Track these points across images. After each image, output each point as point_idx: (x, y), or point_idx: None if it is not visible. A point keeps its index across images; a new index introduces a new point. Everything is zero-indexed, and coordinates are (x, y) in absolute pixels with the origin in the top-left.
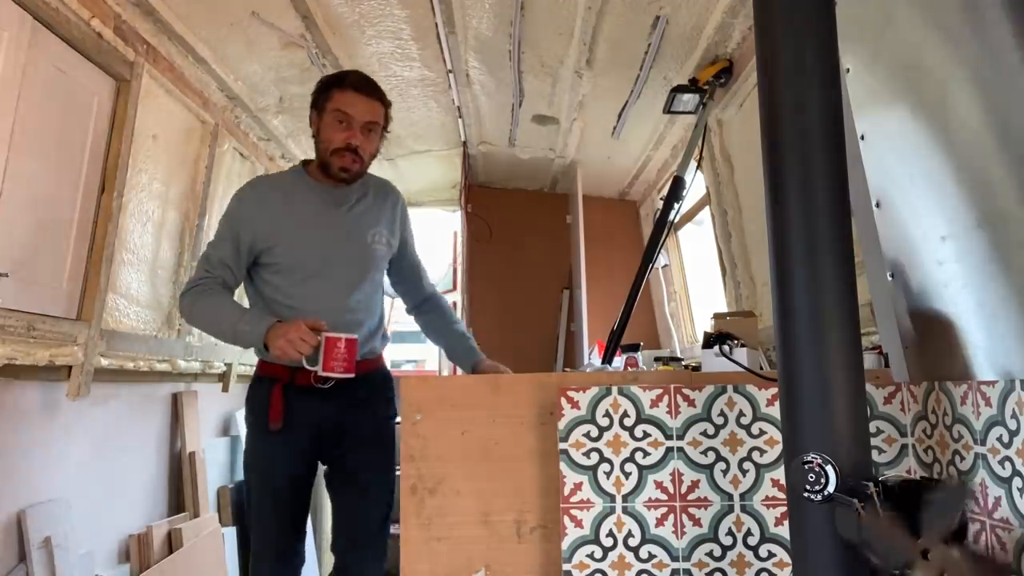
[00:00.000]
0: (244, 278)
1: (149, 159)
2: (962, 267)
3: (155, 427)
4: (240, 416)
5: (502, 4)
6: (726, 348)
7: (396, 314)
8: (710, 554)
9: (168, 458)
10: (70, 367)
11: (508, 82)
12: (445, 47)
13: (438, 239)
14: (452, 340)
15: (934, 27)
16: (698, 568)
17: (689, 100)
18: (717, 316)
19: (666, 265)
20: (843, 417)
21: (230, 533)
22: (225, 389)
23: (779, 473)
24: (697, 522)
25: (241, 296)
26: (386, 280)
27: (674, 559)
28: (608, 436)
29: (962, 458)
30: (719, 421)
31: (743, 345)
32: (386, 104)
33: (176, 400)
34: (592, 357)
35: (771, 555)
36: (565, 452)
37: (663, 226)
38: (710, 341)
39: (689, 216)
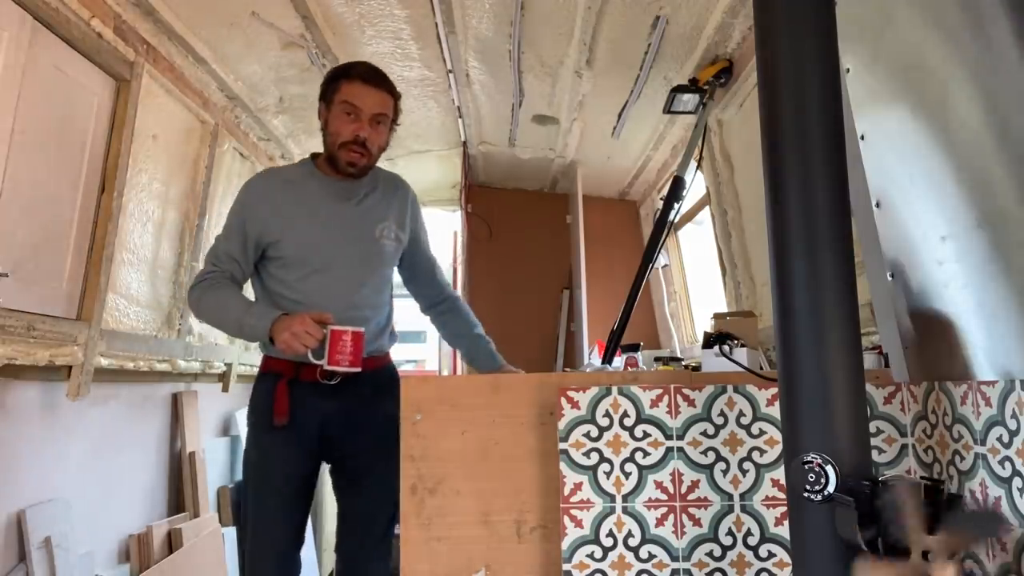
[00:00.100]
0: (252, 272)
1: (149, 159)
2: (962, 267)
3: (155, 427)
4: (240, 416)
5: (502, 4)
6: (726, 348)
7: (396, 314)
8: (710, 554)
9: (168, 458)
10: (70, 367)
11: (508, 82)
12: (445, 47)
13: (438, 239)
14: (472, 345)
15: (934, 27)
16: (698, 568)
17: (689, 100)
18: (717, 316)
19: (666, 265)
20: (843, 417)
21: (230, 533)
22: (225, 389)
23: (779, 473)
24: (697, 522)
25: (249, 292)
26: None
27: (674, 559)
28: (608, 436)
29: (962, 458)
30: (719, 421)
31: (743, 345)
32: (395, 96)
33: (176, 400)
34: (592, 357)
35: (771, 555)
36: (565, 452)
37: (663, 226)
38: (710, 341)
39: (689, 216)
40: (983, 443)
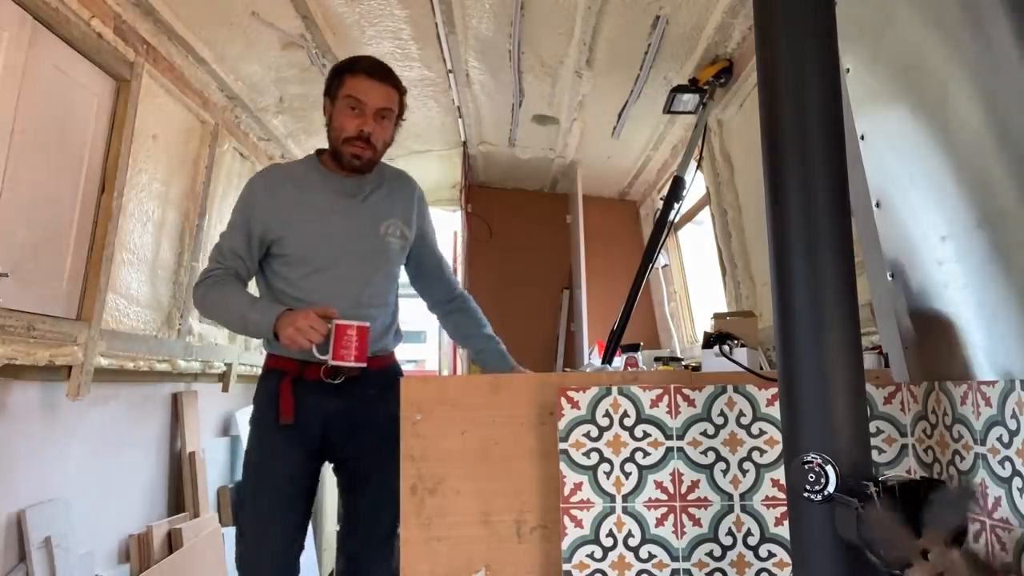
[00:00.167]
0: (257, 270)
1: (149, 159)
2: (962, 267)
3: (155, 427)
4: (240, 416)
5: (502, 4)
6: (726, 348)
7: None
8: (710, 554)
9: (168, 458)
10: (70, 367)
11: (508, 82)
12: (445, 47)
13: (438, 239)
14: (483, 346)
15: (934, 27)
16: (698, 568)
17: (689, 100)
18: (717, 316)
19: (666, 265)
20: (843, 417)
21: (230, 533)
22: (225, 389)
23: (779, 473)
24: (697, 522)
25: (253, 290)
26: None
27: (674, 559)
28: (608, 436)
29: (962, 458)
30: (719, 421)
31: (743, 345)
32: (401, 90)
33: (176, 400)
34: (592, 357)
35: (771, 555)
36: (565, 452)
37: (663, 226)
38: (710, 341)
39: (689, 216)
40: (983, 443)
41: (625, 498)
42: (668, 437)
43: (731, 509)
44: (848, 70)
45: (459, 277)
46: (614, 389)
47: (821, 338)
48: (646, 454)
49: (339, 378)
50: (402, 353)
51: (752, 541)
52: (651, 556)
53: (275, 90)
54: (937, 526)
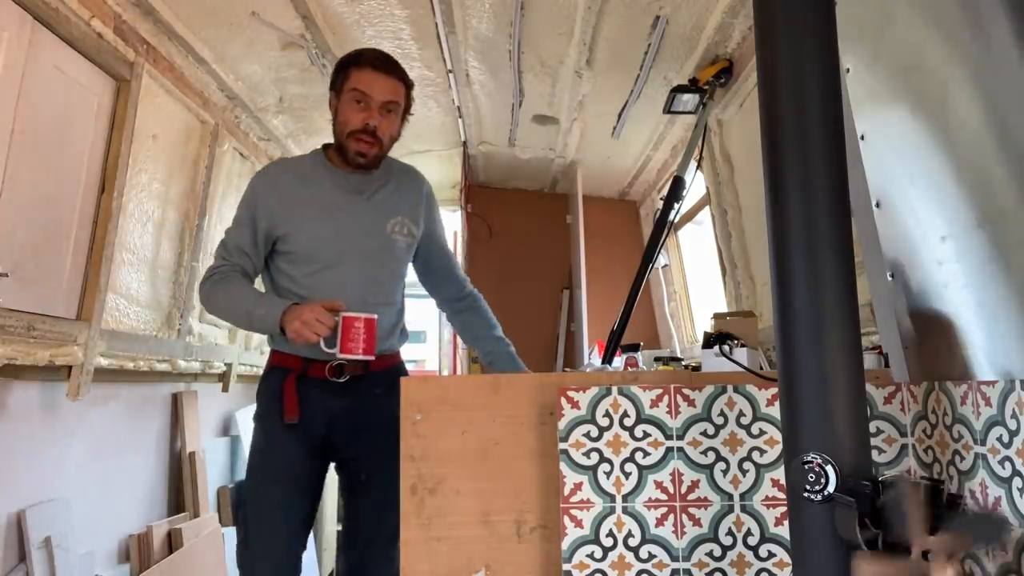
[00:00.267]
0: (263, 266)
1: (149, 159)
2: (962, 267)
3: (155, 427)
4: (240, 416)
5: (502, 4)
6: (726, 348)
7: None
8: (710, 554)
9: (168, 458)
10: (70, 367)
11: (508, 82)
12: (445, 47)
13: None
14: (493, 348)
15: (934, 27)
16: (698, 568)
17: (689, 100)
18: (717, 316)
19: (666, 265)
20: (843, 417)
21: (230, 533)
22: (225, 389)
23: (779, 473)
24: (697, 522)
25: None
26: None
27: (674, 559)
28: (608, 436)
29: (962, 458)
30: (719, 421)
31: (743, 345)
32: (407, 84)
33: (176, 400)
34: (592, 357)
35: (771, 555)
36: (565, 452)
37: (663, 226)
38: (710, 341)
39: (689, 216)
40: (983, 443)
41: (625, 498)
42: (668, 437)
43: (731, 509)
44: (848, 70)
45: None
46: (614, 389)
47: (821, 338)
48: (646, 454)
49: (344, 377)
50: (403, 353)
51: (752, 541)
52: (651, 556)
53: (275, 90)
54: (954, 538)
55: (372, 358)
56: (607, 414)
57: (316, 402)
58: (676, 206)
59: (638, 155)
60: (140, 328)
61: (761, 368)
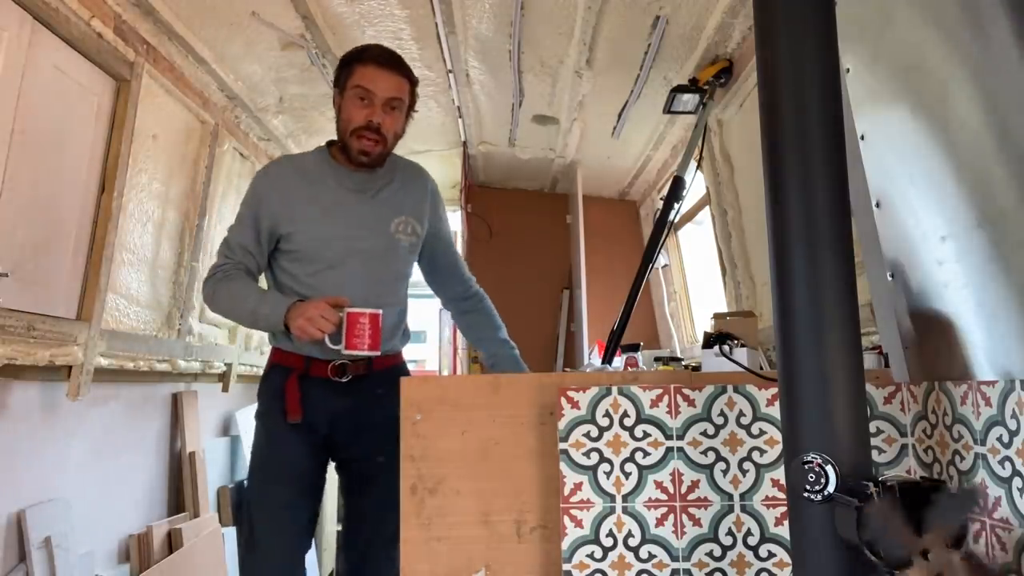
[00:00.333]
0: (267, 265)
1: (149, 159)
2: (962, 267)
3: (155, 427)
4: (240, 416)
5: (502, 4)
6: (726, 348)
7: None
8: (710, 554)
9: (168, 458)
10: (70, 367)
11: (508, 82)
12: (445, 47)
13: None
14: (497, 350)
15: (934, 27)
16: (698, 568)
17: (689, 100)
18: (717, 316)
19: (666, 265)
20: (843, 417)
21: (230, 533)
22: (225, 389)
23: (779, 473)
24: (697, 522)
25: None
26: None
27: (674, 559)
28: (608, 436)
29: (962, 458)
30: (719, 421)
31: (743, 345)
32: (412, 80)
33: (176, 400)
34: (592, 357)
35: (771, 555)
36: (565, 452)
37: (663, 226)
38: (710, 341)
39: (689, 216)
40: (983, 443)
41: (625, 498)
42: (668, 437)
43: (731, 509)
44: (848, 70)
45: None
46: (614, 389)
47: (821, 338)
48: (646, 454)
49: (346, 377)
50: (404, 353)
51: (752, 541)
52: (651, 556)
53: (275, 90)
54: (939, 527)
55: (378, 353)
56: (607, 414)
57: (318, 402)
58: (676, 206)
59: (638, 155)
60: (140, 328)
61: (761, 368)
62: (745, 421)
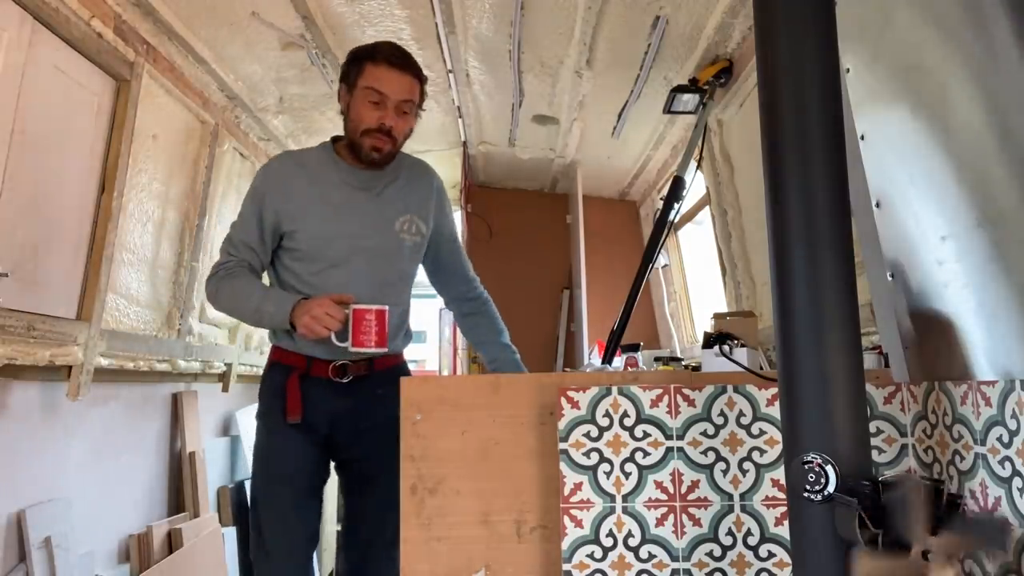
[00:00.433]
0: (269, 262)
1: (149, 159)
2: (962, 267)
3: (155, 427)
4: (240, 416)
5: (502, 4)
6: (726, 348)
7: None
8: (710, 554)
9: (168, 458)
10: (70, 367)
11: (508, 82)
12: (445, 47)
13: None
14: (499, 354)
15: (934, 27)
16: (698, 568)
17: (689, 100)
18: (717, 316)
19: (666, 265)
20: (843, 417)
21: (230, 533)
22: (225, 389)
23: (779, 473)
24: (697, 522)
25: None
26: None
27: (674, 559)
28: (608, 436)
29: (962, 458)
30: (719, 421)
31: (743, 345)
32: (422, 79)
33: (176, 400)
34: (592, 357)
35: (771, 555)
36: (565, 452)
37: (663, 226)
38: (710, 341)
39: (689, 216)
40: (983, 443)
41: (625, 498)
42: (668, 437)
43: (731, 509)
44: (848, 70)
45: None
46: (614, 389)
47: (821, 338)
48: (646, 454)
49: (347, 377)
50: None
51: (752, 541)
52: (651, 556)
53: (275, 90)
54: (956, 538)
55: (385, 350)
56: (607, 414)
57: (319, 402)
58: (676, 206)
59: (638, 155)
60: (140, 328)
61: (761, 368)
62: (745, 421)
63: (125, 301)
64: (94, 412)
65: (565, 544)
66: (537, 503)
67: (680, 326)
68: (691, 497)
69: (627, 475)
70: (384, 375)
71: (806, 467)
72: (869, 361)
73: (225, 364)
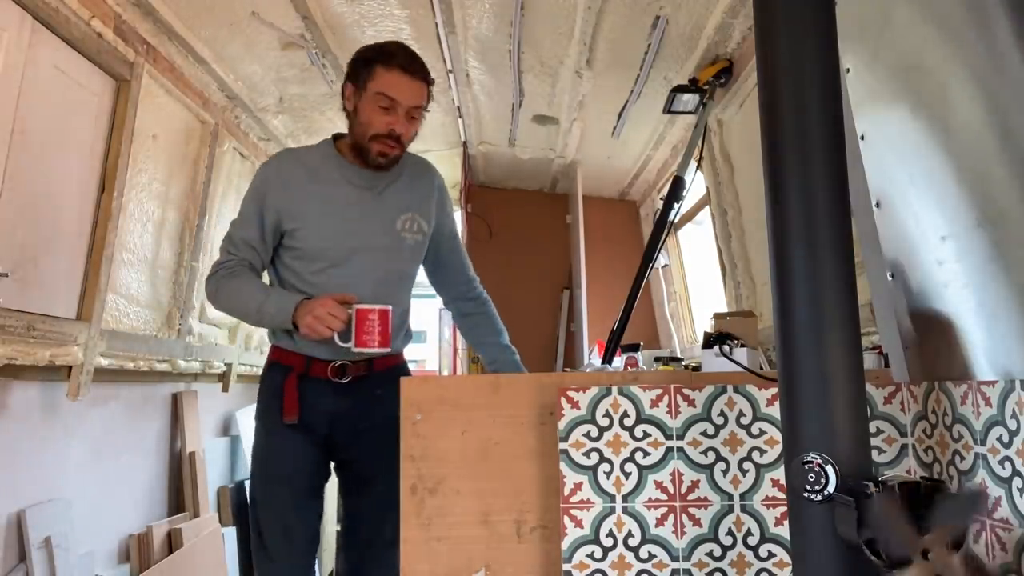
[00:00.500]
0: (270, 261)
1: (149, 159)
2: (962, 267)
3: (155, 427)
4: (240, 416)
5: (502, 4)
6: (726, 348)
7: None
8: (710, 554)
9: (168, 458)
10: (70, 367)
11: (508, 82)
12: (445, 47)
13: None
14: (499, 355)
15: (934, 27)
16: (698, 568)
17: (689, 100)
18: (717, 316)
19: (666, 265)
20: (843, 417)
21: (230, 533)
22: (225, 389)
23: (779, 473)
24: (697, 522)
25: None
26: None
27: (674, 559)
28: (608, 436)
29: (962, 458)
30: (719, 421)
31: (743, 345)
32: (431, 83)
33: (176, 400)
34: (592, 357)
35: (771, 555)
36: (565, 452)
37: (663, 226)
38: (710, 341)
39: (689, 216)
40: (983, 443)
41: (625, 498)
42: (668, 437)
43: (731, 509)
44: (848, 70)
45: None
46: (614, 389)
47: (821, 338)
48: (646, 454)
49: (346, 378)
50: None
51: (752, 541)
52: (651, 556)
53: (275, 90)
54: (941, 528)
55: (389, 350)
56: (607, 414)
57: (318, 402)
58: (676, 206)
59: (638, 155)
60: (140, 328)
61: (761, 368)
62: (745, 421)
63: (125, 301)
64: (94, 412)
65: (565, 544)
66: (537, 503)
67: (680, 326)
68: (691, 497)
69: (627, 475)
70: (383, 375)
71: (806, 467)
72: (869, 361)
73: (225, 364)
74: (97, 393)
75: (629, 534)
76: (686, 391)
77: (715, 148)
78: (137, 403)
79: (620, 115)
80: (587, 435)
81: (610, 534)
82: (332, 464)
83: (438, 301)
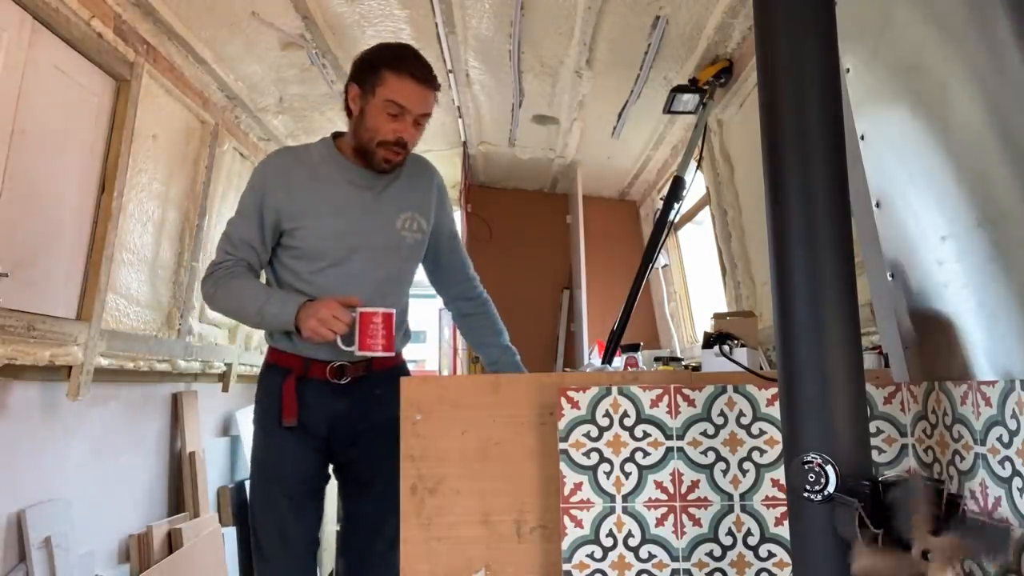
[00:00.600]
0: (268, 261)
1: (149, 159)
2: (962, 267)
3: (155, 427)
4: (240, 416)
5: (502, 4)
6: (726, 348)
7: None
8: (710, 554)
9: (168, 458)
10: (70, 367)
11: (508, 82)
12: (445, 47)
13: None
14: (499, 356)
15: (934, 26)
16: (698, 568)
17: (689, 100)
18: (717, 316)
19: (666, 265)
20: (843, 417)
21: (230, 533)
22: (225, 389)
23: (779, 473)
24: (697, 522)
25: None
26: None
27: (674, 559)
28: (608, 436)
29: (962, 458)
30: (719, 421)
31: (743, 345)
32: (438, 89)
33: (176, 400)
34: (592, 357)
35: (771, 555)
36: (565, 452)
37: (663, 226)
38: (710, 341)
39: (689, 216)
40: (983, 443)
41: (625, 498)
42: (668, 437)
43: (731, 509)
44: (848, 70)
45: None
46: (614, 389)
47: (821, 338)
48: (646, 454)
49: (345, 378)
50: (403, 353)
51: (752, 541)
52: (651, 556)
53: (275, 90)
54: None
55: (392, 354)
56: (607, 414)
57: (317, 404)
58: (676, 206)
59: (638, 155)
60: (140, 328)
61: (761, 368)
62: (745, 421)
63: (125, 301)
64: (94, 412)
65: (565, 544)
66: (537, 503)
67: (680, 326)
68: (691, 497)
69: (627, 475)
70: (383, 376)
71: (806, 467)
72: (869, 361)
73: (225, 364)
74: (97, 393)
75: (629, 534)
76: (686, 391)
77: (715, 148)
78: (137, 403)
79: (620, 115)
80: (587, 435)
81: (610, 534)
82: (332, 467)
83: (438, 301)
